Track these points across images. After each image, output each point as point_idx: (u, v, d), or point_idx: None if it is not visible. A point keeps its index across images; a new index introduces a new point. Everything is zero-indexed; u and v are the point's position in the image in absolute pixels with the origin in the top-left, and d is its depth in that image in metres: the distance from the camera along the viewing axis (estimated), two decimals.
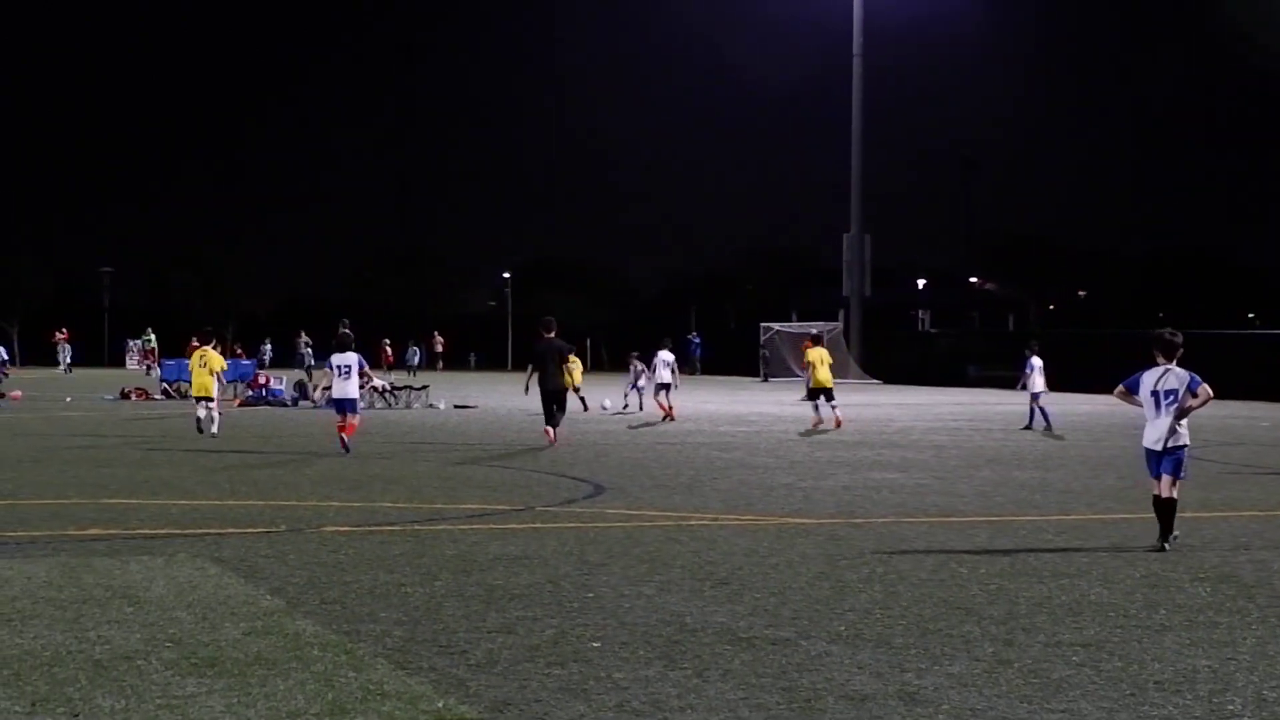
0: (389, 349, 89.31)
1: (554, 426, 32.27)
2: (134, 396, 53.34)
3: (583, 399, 44.37)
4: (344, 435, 29.41)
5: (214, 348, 34.76)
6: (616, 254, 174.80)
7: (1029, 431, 37.00)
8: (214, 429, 33.00)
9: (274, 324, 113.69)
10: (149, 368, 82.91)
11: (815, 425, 38.00)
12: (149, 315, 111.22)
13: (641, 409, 44.15)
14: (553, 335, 33.82)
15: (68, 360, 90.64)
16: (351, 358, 30.07)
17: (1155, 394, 16.49)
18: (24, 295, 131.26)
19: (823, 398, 39.15)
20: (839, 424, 37.70)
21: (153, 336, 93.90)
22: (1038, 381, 38.01)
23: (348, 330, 32.05)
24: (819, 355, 39.77)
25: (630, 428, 38.05)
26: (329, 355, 31.02)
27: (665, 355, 43.35)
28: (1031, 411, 38.12)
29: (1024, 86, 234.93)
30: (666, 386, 43.10)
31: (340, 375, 30.01)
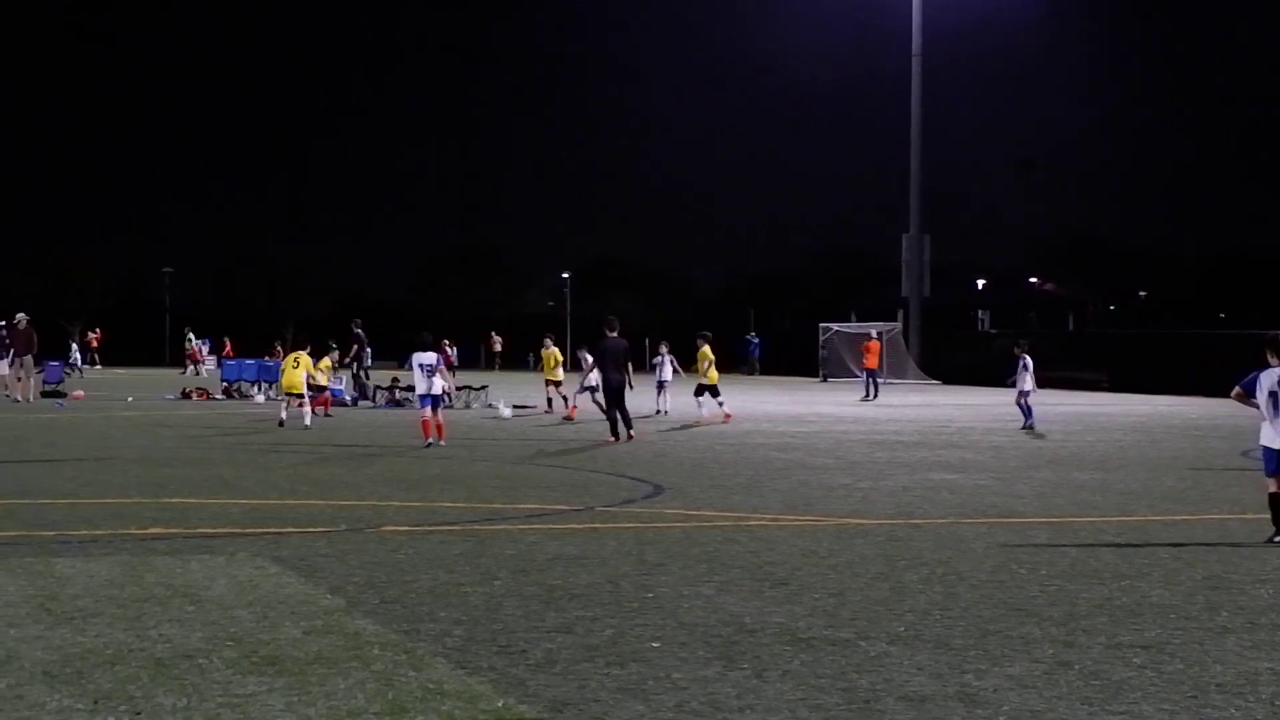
0: (449, 349, 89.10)
1: (628, 426, 33.22)
2: (195, 396, 53.56)
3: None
4: (434, 428, 31.19)
5: (308, 353, 38.82)
6: (676, 254, 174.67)
7: (1027, 430, 36.85)
8: (306, 421, 36.71)
9: (334, 324, 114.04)
10: (195, 367, 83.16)
11: (698, 422, 38.86)
12: (210, 315, 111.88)
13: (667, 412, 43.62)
14: (615, 334, 34.56)
15: (77, 362, 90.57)
16: (432, 356, 32.05)
17: (1273, 394, 16.53)
18: (88, 296, 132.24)
19: (708, 394, 40.61)
20: (727, 418, 39.46)
21: (191, 337, 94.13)
22: (1027, 380, 37.96)
23: (359, 330, 34.60)
24: (707, 354, 41.51)
25: (686, 428, 38.02)
26: (408, 355, 33.21)
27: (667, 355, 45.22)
28: (1025, 409, 38.03)
29: (1083, 84, 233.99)
30: (663, 385, 44.76)
31: (424, 372, 31.71)
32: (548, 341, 47.21)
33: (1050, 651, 11.01)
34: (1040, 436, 35.34)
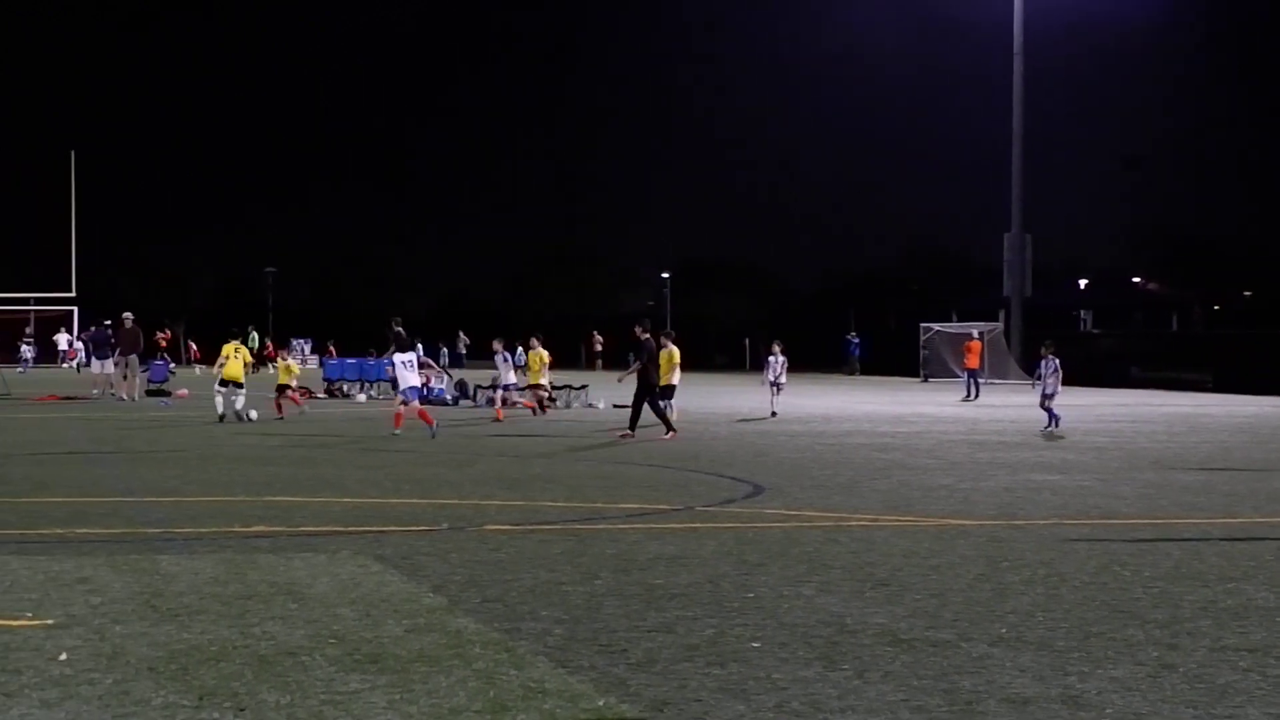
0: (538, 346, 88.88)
1: (633, 426, 34.42)
2: (298, 394, 53.85)
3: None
4: (423, 418, 34.00)
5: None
6: (775, 253, 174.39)
7: (1046, 435, 35.70)
8: (247, 412, 39.63)
9: (434, 324, 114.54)
10: (255, 367, 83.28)
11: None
12: (311, 315, 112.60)
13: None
14: (648, 336, 36.03)
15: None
16: (412, 355, 35.37)
17: None
18: (192, 295, 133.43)
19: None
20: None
21: (255, 334, 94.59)
22: (1052, 383, 37.23)
23: (400, 330, 38.05)
24: (671, 355, 39.34)
25: (787, 428, 37.95)
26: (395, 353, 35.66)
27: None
28: (1049, 412, 37.21)
29: (1189, 83, 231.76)
30: (779, 386, 43.94)
31: (406, 368, 34.72)
32: (534, 342, 46.58)
33: (1154, 654, 10.92)
34: (1060, 438, 34.54)
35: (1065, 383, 39.91)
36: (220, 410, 39.22)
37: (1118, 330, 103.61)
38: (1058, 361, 38.15)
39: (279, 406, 40.85)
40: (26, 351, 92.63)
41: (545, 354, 45.73)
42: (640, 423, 34.70)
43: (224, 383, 40.09)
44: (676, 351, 39.52)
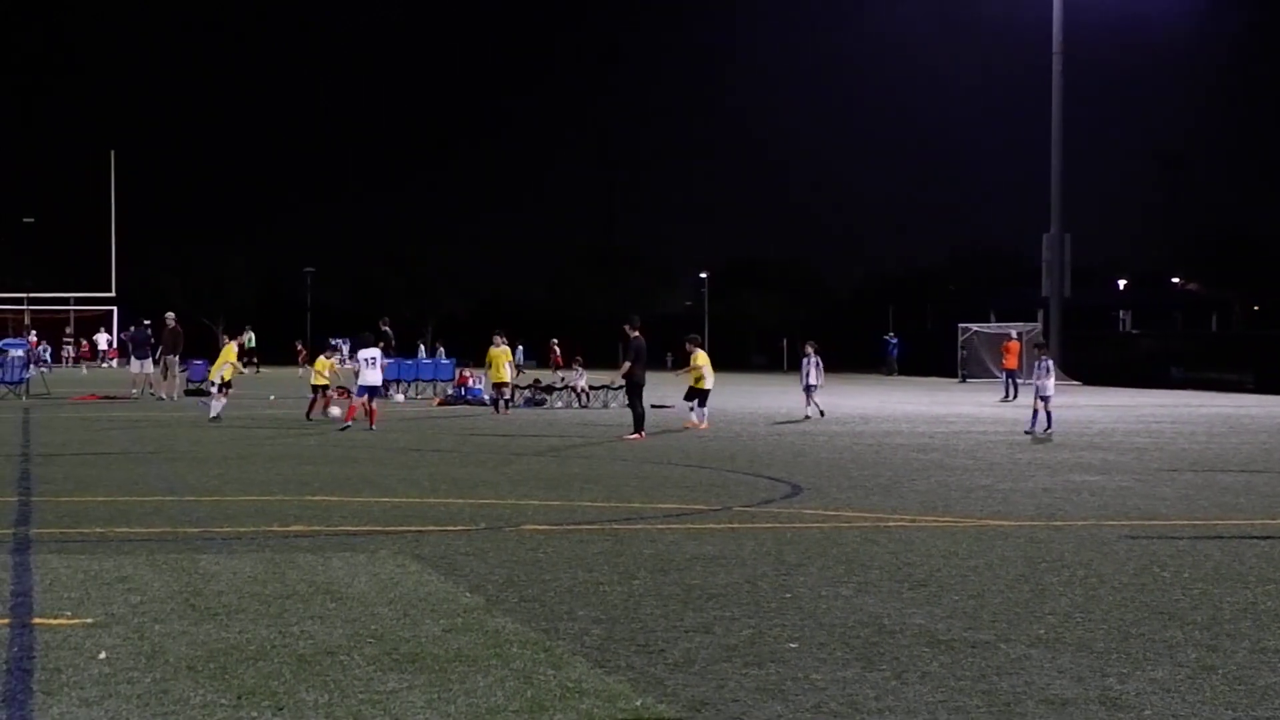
0: (558, 349, 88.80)
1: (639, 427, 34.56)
2: (336, 395, 53.96)
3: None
4: (367, 416, 35.80)
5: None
6: (813, 254, 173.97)
7: (1034, 436, 35.11)
8: (500, 411, 43.75)
9: (474, 324, 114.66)
10: (258, 368, 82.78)
11: (687, 426, 37.53)
12: (350, 315, 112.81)
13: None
14: (638, 334, 36.23)
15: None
16: (375, 351, 36.93)
17: None
18: (230, 295, 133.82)
19: (697, 401, 38.49)
20: (703, 427, 37.52)
21: (251, 335, 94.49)
22: (1048, 384, 36.66)
23: (387, 329, 41.93)
24: (704, 358, 39.26)
25: (826, 428, 37.92)
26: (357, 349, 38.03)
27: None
28: (1035, 413, 36.30)
29: (1229, 81, 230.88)
30: (811, 388, 43.29)
31: (367, 365, 36.20)
32: (496, 339, 46.56)
33: (1194, 656, 10.89)
34: (1047, 441, 33.99)
35: (1101, 383, 39.62)
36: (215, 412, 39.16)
37: (1157, 330, 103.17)
38: (1051, 361, 37.83)
39: (318, 407, 40.58)
40: (43, 351, 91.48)
41: (507, 351, 45.93)
42: (651, 425, 34.77)
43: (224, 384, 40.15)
44: (703, 353, 39.57)
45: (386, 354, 54.40)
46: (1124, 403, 54.63)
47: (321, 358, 42.97)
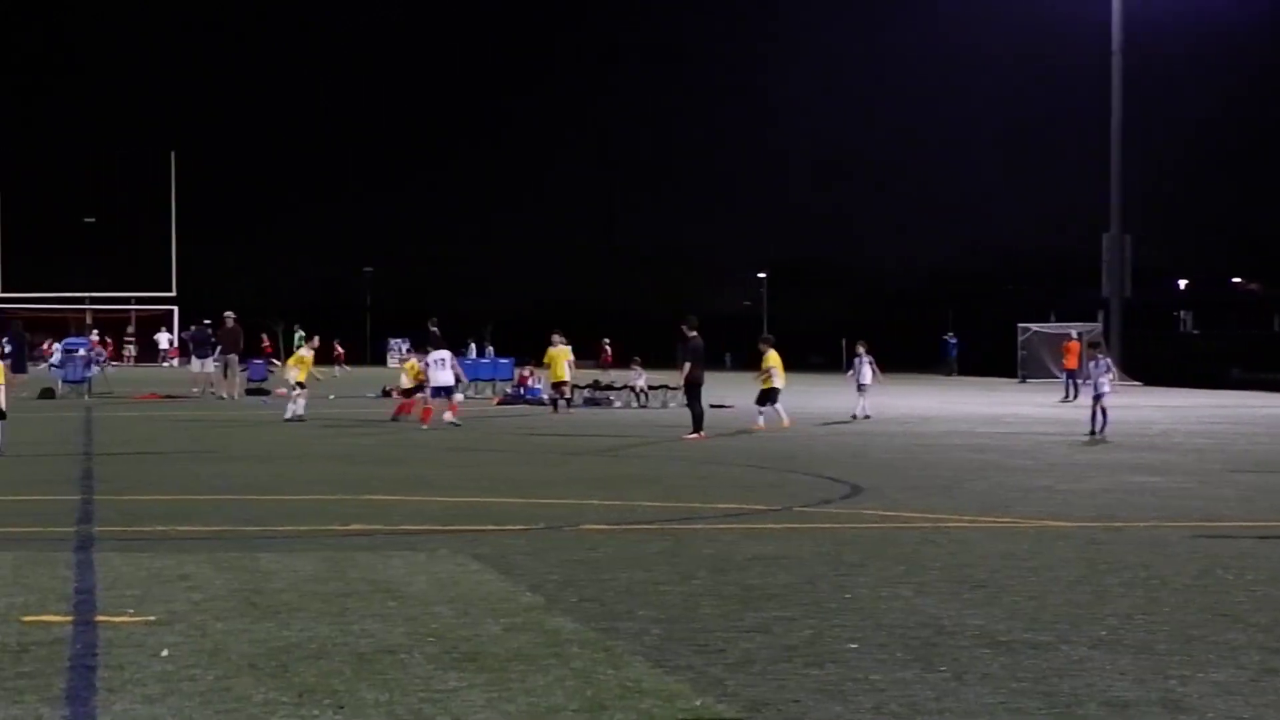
0: (609, 348, 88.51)
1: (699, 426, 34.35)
2: (395, 394, 54.07)
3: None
4: (448, 415, 36.70)
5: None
6: (872, 254, 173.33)
7: (1092, 438, 34.32)
8: (555, 411, 44.30)
9: (531, 323, 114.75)
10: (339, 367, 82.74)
11: (755, 429, 36.61)
12: (408, 315, 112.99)
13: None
14: (695, 334, 36.09)
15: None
16: (445, 352, 38.13)
17: None
18: (289, 295, 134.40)
19: (768, 402, 37.77)
20: (785, 424, 37.01)
21: (301, 334, 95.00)
22: (1104, 383, 36.02)
23: (435, 329, 43.46)
24: (775, 359, 38.52)
25: (884, 428, 37.85)
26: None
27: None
28: (1094, 415, 35.61)
29: None
30: (863, 388, 43.31)
31: (438, 366, 37.40)
32: (557, 339, 46.75)
33: (1256, 658, 10.83)
34: (1102, 441, 33.57)
35: (1161, 384, 39.28)
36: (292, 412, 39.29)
37: (1218, 331, 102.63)
38: (1108, 361, 37.40)
39: (416, 409, 39.71)
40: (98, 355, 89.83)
41: (567, 350, 46.19)
42: (709, 423, 34.76)
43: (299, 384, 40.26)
44: (774, 354, 39.06)
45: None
46: (1183, 403, 54.37)
47: (411, 360, 42.49)
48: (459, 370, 40.09)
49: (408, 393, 40.77)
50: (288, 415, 38.83)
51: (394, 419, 39.41)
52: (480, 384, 56.80)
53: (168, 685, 9.65)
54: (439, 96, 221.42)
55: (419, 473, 24.87)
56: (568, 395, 46.03)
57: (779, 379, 38.26)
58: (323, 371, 51.51)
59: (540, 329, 58.84)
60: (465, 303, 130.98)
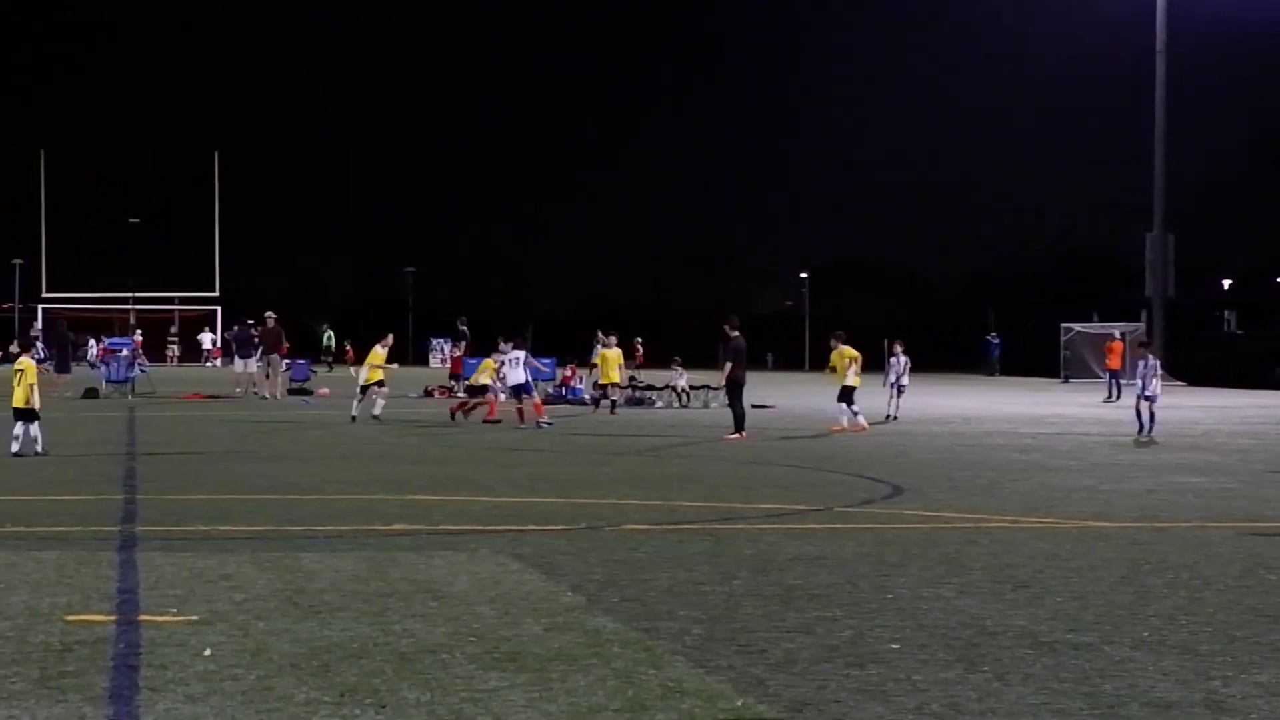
0: (640, 347, 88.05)
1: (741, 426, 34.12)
2: (437, 394, 54.24)
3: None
4: (517, 414, 36.81)
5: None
6: (914, 254, 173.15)
7: (1141, 441, 33.82)
8: (613, 413, 43.99)
9: (574, 323, 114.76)
10: (330, 365, 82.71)
11: (836, 430, 36.36)
12: (452, 315, 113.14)
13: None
14: (738, 334, 35.69)
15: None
16: (519, 352, 37.93)
17: None
18: (333, 295, 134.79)
19: (845, 402, 37.24)
20: (860, 427, 36.53)
21: (330, 334, 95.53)
22: (1154, 384, 35.48)
23: (464, 328, 45.48)
24: (850, 355, 38.10)
25: (926, 428, 37.77)
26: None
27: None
28: (1139, 415, 35.13)
29: None
30: (900, 388, 42.70)
31: (511, 365, 37.62)
32: (609, 339, 46.82)
33: None
34: (1150, 443, 33.24)
35: (1205, 384, 38.97)
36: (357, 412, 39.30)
37: (1263, 331, 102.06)
38: (1157, 362, 36.89)
39: (483, 409, 39.48)
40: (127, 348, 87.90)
41: (619, 352, 46.20)
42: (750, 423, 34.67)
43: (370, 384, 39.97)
44: (849, 350, 38.56)
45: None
46: (1227, 404, 54.17)
47: (489, 359, 41.35)
48: (537, 367, 41.20)
49: (473, 390, 40.68)
50: (376, 412, 39.02)
51: (452, 417, 39.21)
52: None
53: (210, 685, 9.68)
54: (482, 99, 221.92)
55: (461, 473, 24.90)
56: (614, 397, 45.91)
57: (854, 376, 37.72)
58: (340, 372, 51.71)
59: (582, 330, 58.84)
60: (508, 303, 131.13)
